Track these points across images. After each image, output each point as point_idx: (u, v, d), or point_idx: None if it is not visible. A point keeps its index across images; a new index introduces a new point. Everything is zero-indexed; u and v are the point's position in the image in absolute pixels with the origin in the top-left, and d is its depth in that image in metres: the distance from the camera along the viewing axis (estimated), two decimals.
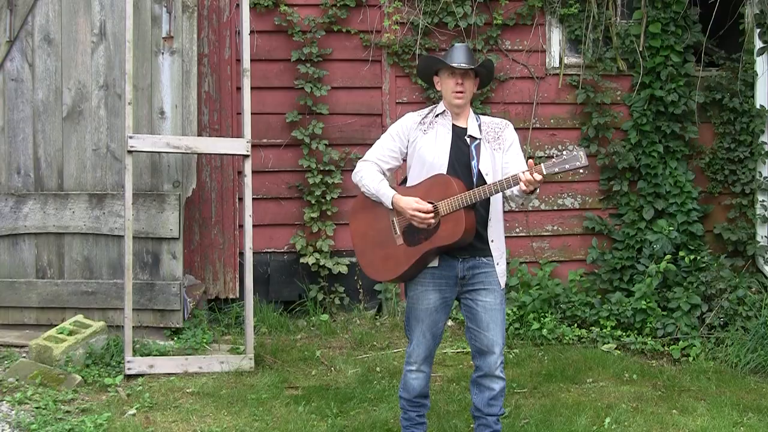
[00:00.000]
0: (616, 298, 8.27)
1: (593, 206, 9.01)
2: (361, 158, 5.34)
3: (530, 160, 4.89)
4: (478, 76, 5.24)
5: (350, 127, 8.61)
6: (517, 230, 8.80)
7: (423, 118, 5.24)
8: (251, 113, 7.42)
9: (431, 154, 5.10)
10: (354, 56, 8.64)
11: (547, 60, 8.92)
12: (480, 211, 5.06)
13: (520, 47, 8.86)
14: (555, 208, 8.96)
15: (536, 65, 8.89)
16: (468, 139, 5.14)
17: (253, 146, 7.81)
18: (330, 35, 8.56)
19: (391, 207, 5.09)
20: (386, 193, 5.11)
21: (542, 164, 4.82)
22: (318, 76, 8.43)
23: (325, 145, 8.45)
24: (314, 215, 8.42)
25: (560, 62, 8.91)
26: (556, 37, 8.91)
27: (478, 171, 5.06)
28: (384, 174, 5.24)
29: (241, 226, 7.94)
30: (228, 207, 8.33)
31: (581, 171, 4.88)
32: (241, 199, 8.06)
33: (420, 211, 4.96)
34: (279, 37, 8.51)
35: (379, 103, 8.65)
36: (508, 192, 5.05)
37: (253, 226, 7.43)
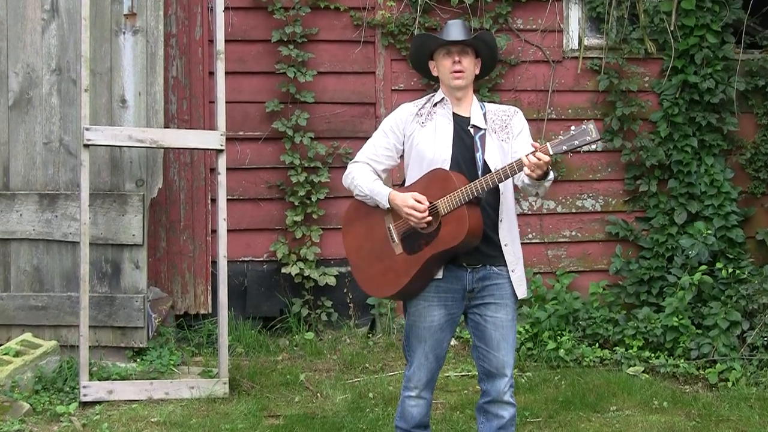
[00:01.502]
0: (643, 314, 8.25)
1: (617, 209, 9.01)
2: (351, 159, 5.33)
3: (534, 142, 4.87)
4: (479, 56, 5.23)
5: (339, 117, 8.60)
6: (530, 236, 8.80)
7: (420, 109, 5.23)
8: (226, 102, 7.40)
9: (431, 150, 5.08)
10: (343, 37, 8.63)
11: (565, 41, 8.92)
12: (488, 210, 5.03)
13: (534, 26, 8.86)
14: (573, 210, 8.96)
15: (552, 47, 8.89)
16: (471, 130, 5.13)
17: (228, 140, 7.80)
18: (316, 12, 8.55)
19: (388, 206, 5.08)
20: (381, 192, 5.10)
21: (548, 143, 4.80)
22: (302, 59, 8.42)
23: (311, 138, 8.44)
24: (298, 219, 8.41)
25: (580, 44, 8.91)
26: (575, 15, 8.91)
27: (484, 163, 5.03)
28: (378, 176, 5.24)
29: (214, 232, 7.92)
30: (199, 209, 8.31)
31: (593, 146, 4.84)
32: (214, 201, 8.04)
33: (415, 210, 4.95)
34: (257, 15, 8.50)
35: (373, 91, 8.65)
36: (519, 182, 5.03)
37: (228, 231, 7.41)
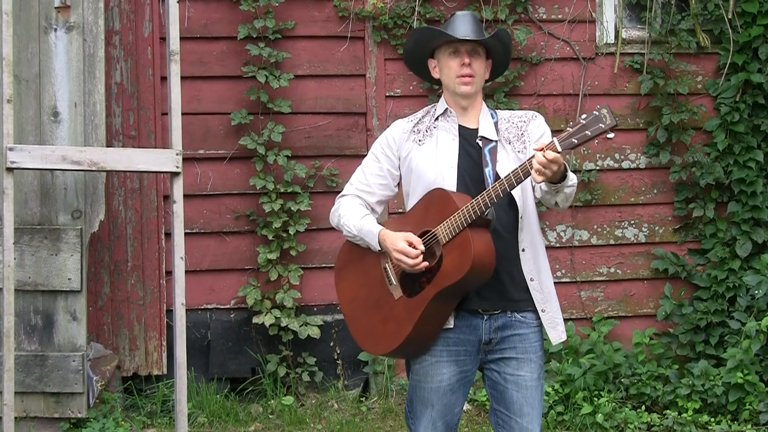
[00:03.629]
0: (700, 368, 8.24)
1: (665, 239, 9.00)
2: (336, 183, 5.27)
3: (540, 142, 4.82)
4: (490, 57, 5.21)
5: (322, 131, 8.59)
6: (559, 274, 8.77)
7: (416, 125, 5.21)
8: (182, 113, 7.39)
9: (433, 170, 5.05)
10: (326, 31, 8.64)
11: (599, 34, 8.93)
12: (506, 238, 4.99)
13: (560, 16, 8.87)
14: (612, 242, 8.95)
15: (583, 41, 8.90)
16: (480, 143, 5.09)
17: (186, 160, 7.78)
18: (292, 2, 8.56)
19: (379, 248, 5.05)
20: (371, 230, 5.07)
21: (555, 138, 4.74)
22: (276, 60, 8.42)
23: (287, 157, 8.42)
24: (272, 256, 8.38)
25: (617, 37, 8.91)
26: (610, 1, 8.92)
27: (495, 178, 4.97)
28: (373, 210, 5.22)
29: (169, 273, 7.90)
30: (150, 246, 8.29)
31: (610, 135, 4.77)
32: (168, 235, 8.03)
33: (405, 255, 4.90)
34: (220, 6, 8.51)
35: (363, 98, 8.65)
36: (537, 193, 5.00)
37: (187, 272, 7.39)
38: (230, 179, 8.50)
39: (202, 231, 8.46)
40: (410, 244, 4.90)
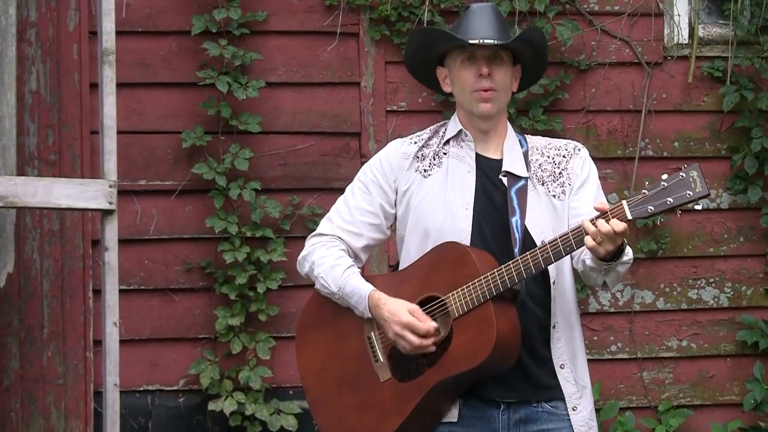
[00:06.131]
0: None
1: (755, 303, 9.02)
2: (314, 231, 5.22)
3: (603, 201, 4.77)
4: (518, 62, 5.15)
5: (302, 156, 8.59)
6: (614, 348, 8.76)
7: (420, 149, 5.15)
8: (118, 132, 7.39)
9: (441, 211, 5.01)
10: (308, 25, 8.66)
11: (667, 31, 8.96)
12: (532, 309, 4.96)
13: (618, 8, 8.90)
14: (683, 306, 8.94)
15: (647, 41, 8.93)
16: (504, 180, 5.05)
17: (122, 193, 7.78)
18: None
19: (368, 315, 5.01)
20: (358, 289, 5.01)
21: (624, 201, 4.66)
22: (242, 62, 8.43)
23: (255, 190, 8.42)
24: (235, 322, 8.37)
25: (691, 35, 8.94)
26: None
27: (524, 232, 4.95)
28: (356, 257, 5.17)
29: (99, 343, 7.89)
30: (74, 307, 8.27)
31: (697, 206, 4.68)
32: (98, 293, 8.01)
33: (412, 331, 4.84)
34: None
35: (356, 113, 8.66)
36: (578, 264, 4.91)
37: (122, 342, 7.38)
38: (180, 219, 8.50)
39: (143, 288, 8.45)
40: (416, 317, 4.83)
